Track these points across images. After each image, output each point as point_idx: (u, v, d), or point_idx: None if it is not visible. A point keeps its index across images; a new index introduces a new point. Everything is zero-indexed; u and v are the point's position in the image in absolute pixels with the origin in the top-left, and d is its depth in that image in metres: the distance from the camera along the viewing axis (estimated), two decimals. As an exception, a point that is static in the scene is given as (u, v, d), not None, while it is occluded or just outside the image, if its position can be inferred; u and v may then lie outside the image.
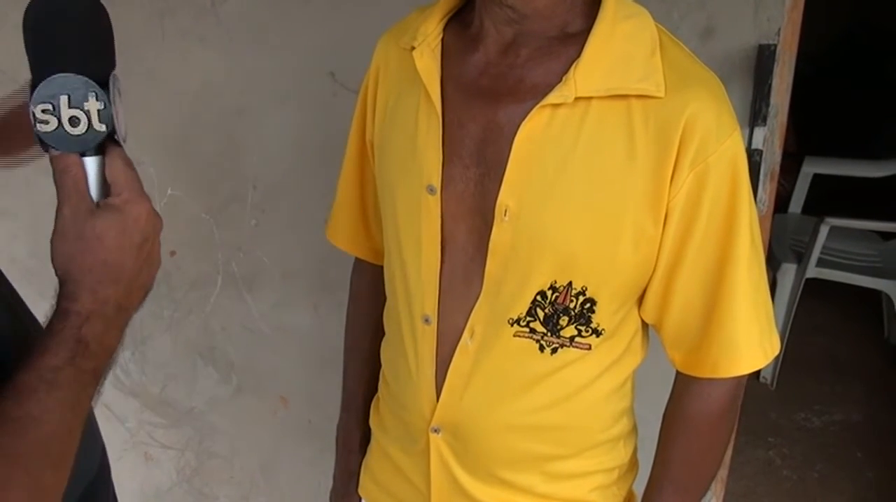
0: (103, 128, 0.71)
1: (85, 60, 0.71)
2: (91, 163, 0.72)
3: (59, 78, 0.70)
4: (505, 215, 0.91)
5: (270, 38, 1.74)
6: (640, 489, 1.12)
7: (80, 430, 0.68)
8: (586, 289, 0.93)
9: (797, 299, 3.12)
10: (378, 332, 1.16)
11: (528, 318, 0.95)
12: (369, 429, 1.22)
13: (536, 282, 0.93)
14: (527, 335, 0.95)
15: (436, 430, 1.03)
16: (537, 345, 0.96)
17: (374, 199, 1.12)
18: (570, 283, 0.92)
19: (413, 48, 0.96)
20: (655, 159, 0.88)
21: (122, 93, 0.75)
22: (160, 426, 2.16)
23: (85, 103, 0.70)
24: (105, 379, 0.72)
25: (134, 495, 2.23)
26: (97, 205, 0.72)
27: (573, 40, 0.90)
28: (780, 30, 1.51)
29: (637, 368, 1.06)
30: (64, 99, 0.70)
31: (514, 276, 0.93)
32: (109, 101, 0.71)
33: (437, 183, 0.94)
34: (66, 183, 0.72)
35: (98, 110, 0.70)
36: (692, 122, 0.87)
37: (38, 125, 0.70)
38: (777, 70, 1.53)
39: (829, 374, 3.33)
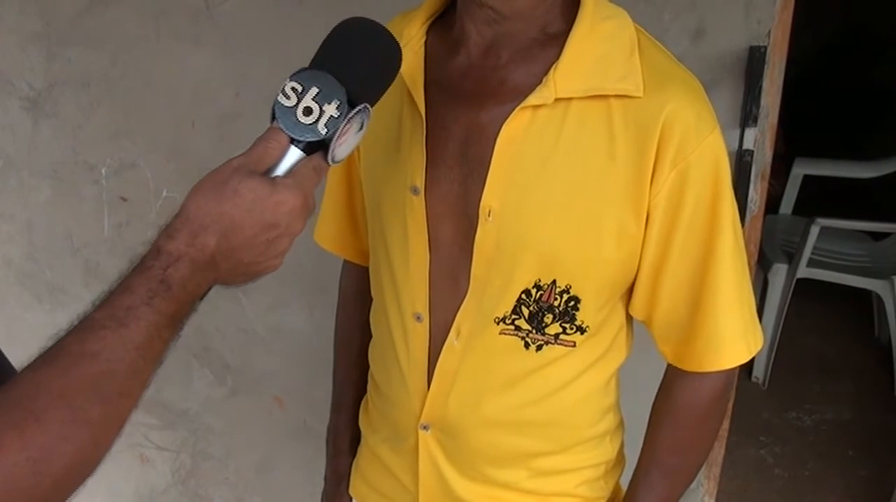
0: (324, 132, 0.74)
1: (354, 79, 0.76)
2: (292, 154, 0.75)
3: (326, 76, 0.75)
4: (489, 216, 0.92)
5: (265, 39, 1.75)
6: (625, 484, 1.12)
7: (150, 372, 0.68)
8: (570, 287, 0.94)
9: (788, 299, 3.13)
10: (366, 334, 1.16)
11: (514, 316, 0.96)
12: (359, 430, 1.23)
13: (521, 281, 0.94)
14: (512, 332, 0.97)
15: (425, 427, 1.04)
16: (522, 343, 0.97)
17: (361, 201, 1.13)
18: (554, 282, 0.94)
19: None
20: (636, 158, 0.89)
21: (363, 128, 0.79)
22: (155, 427, 2.16)
23: (326, 104, 0.74)
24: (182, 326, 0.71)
25: (129, 497, 2.24)
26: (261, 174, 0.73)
27: (553, 42, 0.91)
28: (770, 32, 1.52)
29: (622, 365, 1.07)
30: (314, 90, 0.74)
31: (498, 276, 0.94)
32: (344, 118, 0.75)
33: (420, 183, 0.95)
34: (258, 146, 0.74)
35: (331, 116, 0.74)
36: (671, 121, 0.88)
37: (279, 96, 0.75)
38: (767, 72, 1.54)
39: (821, 374, 3.34)
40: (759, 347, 1.00)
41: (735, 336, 0.98)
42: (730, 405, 1.78)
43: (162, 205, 1.90)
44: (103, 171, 1.90)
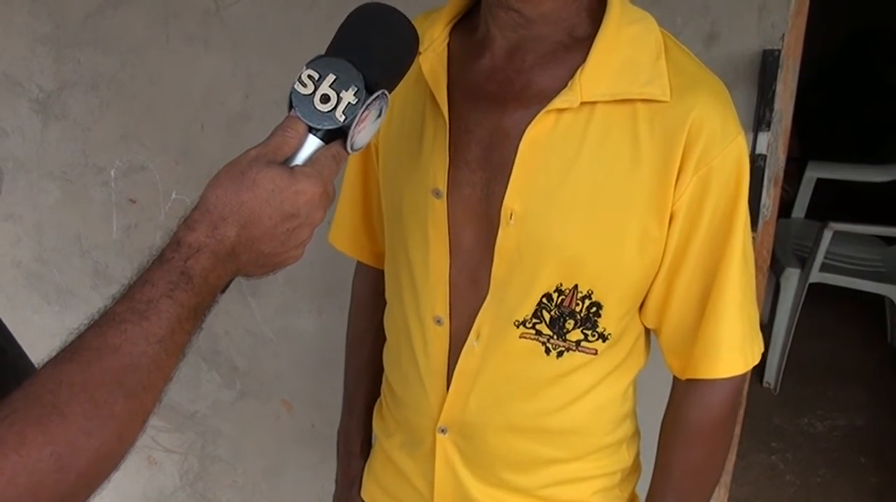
0: (342, 119, 0.73)
1: (372, 65, 0.75)
2: (310, 143, 0.74)
3: (343, 63, 0.74)
4: (511, 218, 0.91)
5: (275, 41, 1.74)
6: (641, 491, 1.11)
7: (173, 365, 0.67)
8: (592, 292, 0.93)
9: (800, 304, 3.11)
10: (379, 336, 1.16)
11: (534, 320, 0.95)
12: (371, 433, 1.22)
13: (542, 285, 0.93)
14: (533, 337, 0.96)
15: (443, 430, 1.03)
16: (543, 348, 0.96)
17: (378, 203, 1.12)
18: (575, 286, 0.93)
19: (419, 53, 0.96)
20: (661, 163, 0.88)
21: (382, 114, 0.78)
22: (163, 430, 2.16)
23: (343, 91, 0.73)
24: (204, 318, 0.70)
25: (136, 499, 2.24)
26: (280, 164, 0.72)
27: (579, 45, 0.91)
28: (784, 35, 1.50)
29: (639, 372, 1.06)
30: (331, 77, 0.73)
31: (519, 278, 0.94)
32: (362, 105, 0.74)
33: (442, 187, 0.95)
34: (276, 135, 0.73)
35: (349, 103, 0.73)
36: (697, 126, 0.87)
37: (296, 84, 0.74)
38: (781, 75, 1.52)
39: (833, 379, 3.32)
40: (756, 361, 0.99)
41: (732, 345, 0.96)
42: (740, 412, 1.76)
43: (171, 208, 1.90)
44: (112, 173, 1.90)
